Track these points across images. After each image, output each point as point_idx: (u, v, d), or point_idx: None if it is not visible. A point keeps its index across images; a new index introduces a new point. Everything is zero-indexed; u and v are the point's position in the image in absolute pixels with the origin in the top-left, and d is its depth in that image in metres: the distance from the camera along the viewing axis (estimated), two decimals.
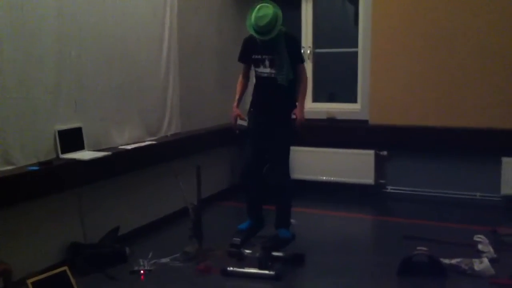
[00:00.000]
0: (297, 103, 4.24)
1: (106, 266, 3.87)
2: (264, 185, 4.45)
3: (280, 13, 4.03)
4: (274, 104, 4.21)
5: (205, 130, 5.68)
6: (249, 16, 4.05)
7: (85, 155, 3.93)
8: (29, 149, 3.60)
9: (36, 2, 3.61)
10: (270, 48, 4.11)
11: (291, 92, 4.30)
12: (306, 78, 4.28)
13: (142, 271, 3.87)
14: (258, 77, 4.26)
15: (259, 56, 4.19)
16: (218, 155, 6.05)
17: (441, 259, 3.83)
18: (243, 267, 3.88)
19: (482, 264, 3.77)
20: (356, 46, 6.34)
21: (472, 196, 5.78)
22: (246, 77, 4.39)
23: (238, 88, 4.37)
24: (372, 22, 6.04)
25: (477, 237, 4.25)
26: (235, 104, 4.31)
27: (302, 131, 4.25)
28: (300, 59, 4.24)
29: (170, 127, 5.14)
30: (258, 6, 4.00)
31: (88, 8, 4.06)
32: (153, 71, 4.88)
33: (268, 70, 4.18)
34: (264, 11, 3.94)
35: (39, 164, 3.58)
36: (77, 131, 3.99)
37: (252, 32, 4.04)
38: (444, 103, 5.80)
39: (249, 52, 4.26)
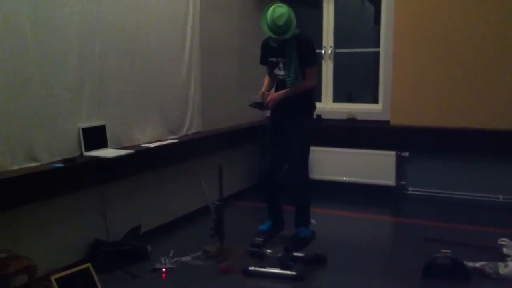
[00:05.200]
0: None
1: (128, 264, 3.89)
2: (282, 185, 4.46)
3: (292, 12, 4.04)
4: (289, 105, 4.22)
5: (225, 130, 5.68)
6: (263, 16, 4.06)
7: (108, 152, 3.95)
8: (54, 146, 3.63)
9: (60, 0, 3.62)
10: (283, 51, 4.12)
11: (306, 94, 4.29)
12: (310, 81, 4.24)
13: (163, 269, 3.88)
14: (276, 79, 4.30)
15: (274, 59, 4.23)
16: (238, 154, 6.04)
17: (465, 262, 3.79)
18: (264, 267, 3.86)
19: (507, 268, 3.72)
20: (374, 46, 6.30)
21: (495, 198, 5.70)
22: (271, 76, 4.40)
23: (264, 82, 4.41)
24: (394, 22, 5.99)
25: (502, 240, 4.17)
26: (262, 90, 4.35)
27: (266, 105, 4.24)
28: (308, 62, 4.19)
29: (191, 126, 5.14)
30: (272, 7, 4.01)
31: (111, 7, 4.07)
32: (175, 70, 4.88)
33: (282, 72, 4.22)
34: (280, 11, 3.96)
35: (64, 161, 3.60)
36: (101, 129, 4.01)
37: (269, 33, 4.04)
38: (466, 104, 5.73)
39: (266, 55, 4.29)
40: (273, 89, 4.40)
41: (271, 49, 4.22)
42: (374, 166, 6.00)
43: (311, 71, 4.23)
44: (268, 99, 4.22)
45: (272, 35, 4.03)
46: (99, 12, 3.97)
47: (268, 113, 4.65)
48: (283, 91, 4.20)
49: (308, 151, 4.36)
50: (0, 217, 3.19)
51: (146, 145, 4.44)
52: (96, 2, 3.94)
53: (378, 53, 6.26)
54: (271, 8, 4.00)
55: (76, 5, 3.75)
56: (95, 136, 3.95)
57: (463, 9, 5.69)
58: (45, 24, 3.51)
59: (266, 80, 4.43)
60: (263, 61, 4.40)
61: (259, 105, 4.29)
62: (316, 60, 4.34)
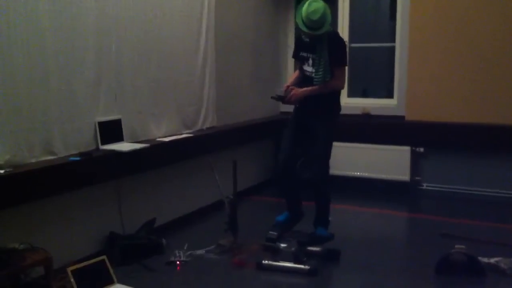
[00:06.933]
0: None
1: (143, 257, 3.93)
2: (298, 179, 4.45)
3: (328, 9, 4.02)
4: (315, 102, 4.20)
5: (240, 124, 5.70)
6: (298, 11, 4.04)
7: (124, 146, 3.98)
8: (71, 140, 3.67)
9: None
10: (314, 47, 4.11)
11: (333, 95, 4.28)
12: (339, 82, 4.21)
13: (178, 262, 3.91)
14: (303, 75, 4.28)
15: (305, 54, 4.21)
16: (252, 149, 6.06)
17: (480, 258, 3.77)
18: (278, 261, 3.88)
19: None
20: (389, 41, 6.28)
21: (510, 195, 5.65)
22: (300, 72, 4.39)
23: (292, 76, 4.44)
24: (410, 16, 5.96)
25: None
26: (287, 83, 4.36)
27: (288, 99, 4.23)
28: (338, 62, 4.17)
29: (206, 120, 5.17)
30: (308, 1, 3.99)
31: (127, 3, 4.10)
32: (190, 65, 4.91)
33: (310, 68, 4.19)
34: (316, 6, 3.95)
35: (80, 154, 3.64)
36: (117, 123, 4.05)
37: (302, 27, 4.02)
38: (482, 100, 5.69)
39: (298, 49, 4.28)
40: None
41: (304, 44, 4.21)
42: (389, 162, 5.98)
43: (340, 71, 4.20)
44: (291, 93, 4.21)
45: (305, 29, 4.01)
46: (116, 7, 4.00)
47: (283, 109, 4.63)
48: (309, 88, 4.18)
49: (331, 150, 4.34)
50: (17, 210, 3.24)
51: (161, 139, 4.47)
52: None
53: (393, 48, 6.24)
54: (307, 3, 3.99)
55: (93, 1, 3.79)
56: (111, 130, 3.99)
57: (479, 2, 5.64)
58: (63, 19, 3.55)
59: (295, 74, 4.44)
60: (295, 55, 4.41)
61: (281, 98, 4.27)
62: (346, 61, 4.31)
